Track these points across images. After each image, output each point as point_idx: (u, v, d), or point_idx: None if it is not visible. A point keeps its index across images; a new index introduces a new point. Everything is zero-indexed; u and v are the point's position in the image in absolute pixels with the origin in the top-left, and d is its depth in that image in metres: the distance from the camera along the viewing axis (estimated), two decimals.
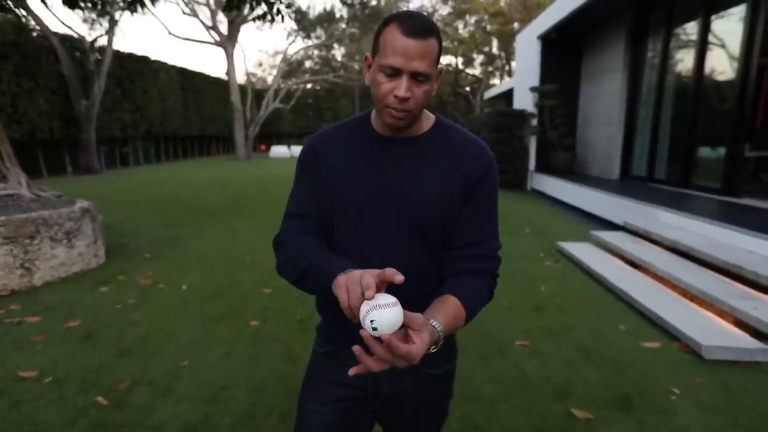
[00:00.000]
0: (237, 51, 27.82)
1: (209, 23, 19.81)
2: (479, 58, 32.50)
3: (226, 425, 1.95)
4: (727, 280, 3.23)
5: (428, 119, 0.95)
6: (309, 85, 30.24)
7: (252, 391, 2.21)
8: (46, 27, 12.27)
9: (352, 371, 0.71)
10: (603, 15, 8.21)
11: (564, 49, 9.59)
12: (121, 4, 9.59)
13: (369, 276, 0.68)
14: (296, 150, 23.36)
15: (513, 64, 25.21)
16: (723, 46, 5.94)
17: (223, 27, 20.40)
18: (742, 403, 2.10)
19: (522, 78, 11.08)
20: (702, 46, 6.17)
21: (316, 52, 30.75)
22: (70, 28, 15.52)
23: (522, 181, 9.83)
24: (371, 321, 0.65)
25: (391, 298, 0.67)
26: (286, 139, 29.06)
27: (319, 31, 25.59)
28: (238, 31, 20.14)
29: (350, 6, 22.96)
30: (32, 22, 12.27)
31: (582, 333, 2.87)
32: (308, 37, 25.75)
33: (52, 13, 20.99)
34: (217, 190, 9.83)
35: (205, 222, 6.33)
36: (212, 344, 2.71)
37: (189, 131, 20.89)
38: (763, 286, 2.94)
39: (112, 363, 2.47)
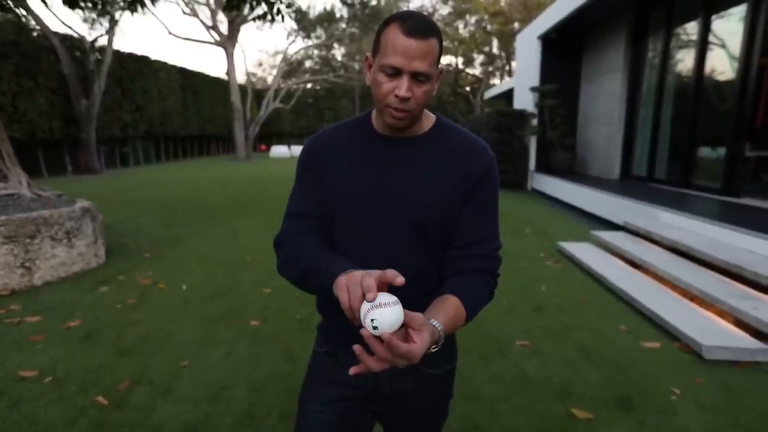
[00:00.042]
0: (237, 51, 27.86)
1: (209, 23, 19.83)
2: (479, 58, 32.50)
3: (227, 425, 1.95)
4: (728, 280, 3.22)
5: (429, 119, 0.95)
6: (309, 85, 30.24)
7: (252, 391, 2.21)
8: (47, 27, 12.28)
9: (352, 370, 0.71)
10: (603, 15, 8.21)
11: (564, 49, 9.59)
12: (122, 3, 9.59)
13: (370, 278, 0.68)
14: (296, 150, 23.36)
15: (513, 64, 25.22)
16: (723, 46, 5.94)
17: (223, 27, 20.42)
18: (742, 403, 2.10)
19: (522, 78, 11.08)
20: (702, 46, 6.17)
21: (316, 51, 30.76)
22: (70, 27, 15.53)
23: (522, 181, 9.83)
24: (372, 320, 0.65)
25: (391, 297, 0.67)
26: (286, 139, 29.06)
27: (320, 31, 25.60)
28: (238, 30, 20.15)
29: (350, 6, 22.97)
30: (32, 22, 12.28)
31: (582, 333, 2.87)
32: (308, 36, 25.76)
33: (53, 12, 21.02)
34: (217, 190, 9.83)
35: (205, 222, 6.33)
36: (212, 344, 2.71)
37: (189, 131, 20.89)
38: (763, 286, 2.94)
39: (112, 363, 2.47)
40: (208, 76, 22.84)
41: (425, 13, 1.01)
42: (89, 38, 14.02)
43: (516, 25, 26.15)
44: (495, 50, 31.03)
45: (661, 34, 7.18)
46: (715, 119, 6.05)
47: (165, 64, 18.44)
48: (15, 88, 11.75)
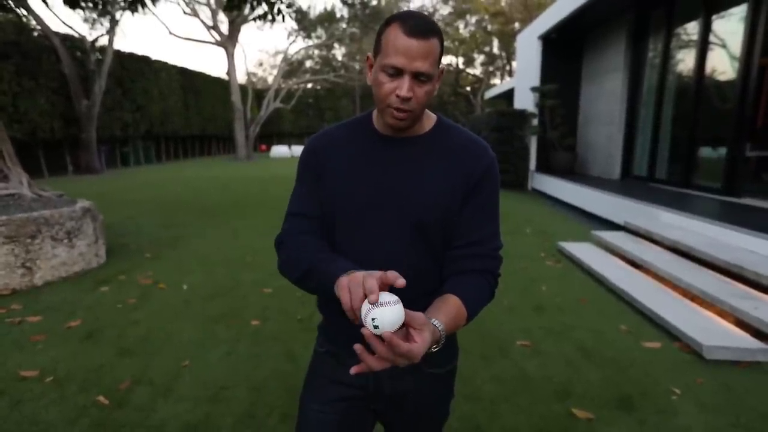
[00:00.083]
0: (238, 51, 27.88)
1: (210, 23, 19.84)
2: (480, 58, 32.49)
3: (227, 425, 1.96)
4: (728, 280, 3.22)
5: (430, 119, 0.95)
6: (310, 85, 30.25)
7: (253, 391, 2.21)
8: (47, 27, 12.28)
9: (353, 370, 0.71)
10: (604, 15, 8.21)
11: (565, 49, 9.59)
12: (122, 3, 9.60)
13: (372, 279, 0.68)
14: (297, 150, 23.38)
15: (514, 64, 25.21)
16: (724, 45, 5.93)
17: (224, 27, 20.43)
18: (743, 403, 2.10)
19: (523, 78, 11.08)
20: (703, 46, 6.16)
21: (316, 51, 30.77)
22: (71, 27, 15.48)
23: (523, 181, 9.83)
24: (373, 319, 0.65)
25: (392, 297, 0.67)
26: (286, 139, 29.06)
27: (320, 31, 25.61)
28: (238, 30, 20.16)
29: (351, 6, 22.97)
30: (33, 22, 12.29)
31: (583, 333, 2.87)
32: (309, 36, 25.78)
33: (53, 12, 21.07)
34: (217, 190, 9.83)
35: (206, 222, 6.34)
36: (213, 344, 2.71)
37: (189, 131, 20.89)
38: (764, 286, 2.94)
39: (112, 362, 2.47)
40: (208, 76, 22.85)
41: (426, 13, 1.01)
42: (90, 38, 14.04)
43: (516, 25, 26.16)
44: (495, 50, 31.03)
45: (661, 34, 7.18)
46: (716, 119, 6.05)
47: (166, 64, 18.45)
48: (16, 88, 11.76)
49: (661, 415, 2.03)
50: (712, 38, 6.09)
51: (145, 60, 17.07)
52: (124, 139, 16.49)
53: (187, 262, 4.40)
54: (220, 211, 7.19)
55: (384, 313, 0.65)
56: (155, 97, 17.58)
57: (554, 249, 4.91)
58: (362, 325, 0.67)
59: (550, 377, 2.34)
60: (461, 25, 31.13)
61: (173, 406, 2.08)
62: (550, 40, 9.51)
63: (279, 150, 23.68)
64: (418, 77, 0.80)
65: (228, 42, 19.90)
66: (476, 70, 33.25)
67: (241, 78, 27.53)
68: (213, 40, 20.16)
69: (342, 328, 0.87)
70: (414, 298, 0.78)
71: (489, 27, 29.57)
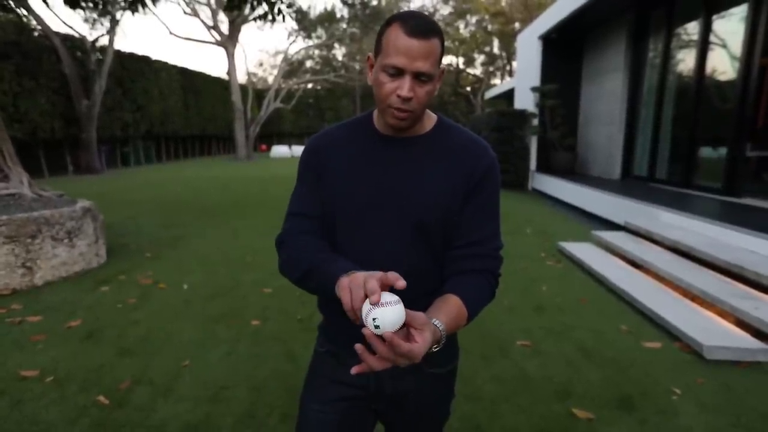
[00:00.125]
0: (238, 51, 27.87)
1: (210, 23, 19.84)
2: (480, 58, 32.47)
3: (227, 425, 1.96)
4: (729, 280, 3.22)
5: (430, 119, 0.95)
6: (310, 85, 30.25)
7: (253, 391, 2.21)
8: (48, 27, 12.29)
9: (354, 370, 0.71)
10: (604, 15, 8.20)
11: (565, 49, 9.59)
12: (123, 3, 9.61)
13: (373, 280, 0.68)
14: (297, 150, 23.38)
15: (514, 64, 25.21)
16: (724, 45, 5.93)
17: (224, 27, 20.43)
18: (743, 404, 2.10)
19: (523, 78, 11.08)
20: (703, 46, 6.16)
21: (317, 51, 30.76)
22: (71, 27, 15.51)
23: (523, 181, 9.83)
24: (374, 319, 0.65)
25: (393, 297, 0.67)
26: (287, 139, 29.06)
27: (320, 31, 25.60)
28: (239, 30, 20.17)
29: (351, 6, 22.97)
30: (33, 22, 12.29)
31: (583, 333, 2.87)
32: (309, 36, 25.77)
33: (54, 12, 21.10)
34: (217, 190, 9.83)
35: (206, 222, 6.34)
36: (213, 344, 2.71)
37: (190, 131, 20.90)
38: (764, 286, 2.94)
39: (113, 362, 2.47)
40: (208, 76, 22.87)
41: (426, 13, 1.01)
42: (90, 38, 14.05)
43: (517, 25, 26.14)
44: (496, 50, 31.02)
45: (661, 34, 7.17)
46: (716, 119, 6.05)
47: (166, 64, 18.46)
48: (16, 87, 11.77)
49: (661, 415, 2.03)
50: (712, 38, 6.09)
51: (145, 60, 17.08)
52: (125, 139, 16.50)
53: (188, 262, 4.40)
54: (220, 211, 7.19)
55: (385, 314, 0.65)
56: (155, 97, 17.59)
57: (554, 249, 4.91)
58: (363, 325, 0.67)
59: (550, 377, 2.34)
60: (461, 25, 31.14)
61: (173, 406, 2.08)
62: (550, 40, 9.50)
63: (279, 150, 23.68)
64: (418, 77, 0.80)
65: (228, 42, 19.91)
66: (476, 70, 33.27)
67: (241, 78, 27.54)
68: (213, 40, 20.17)
69: (342, 328, 0.87)
70: (414, 298, 0.78)
71: (489, 27, 29.56)
